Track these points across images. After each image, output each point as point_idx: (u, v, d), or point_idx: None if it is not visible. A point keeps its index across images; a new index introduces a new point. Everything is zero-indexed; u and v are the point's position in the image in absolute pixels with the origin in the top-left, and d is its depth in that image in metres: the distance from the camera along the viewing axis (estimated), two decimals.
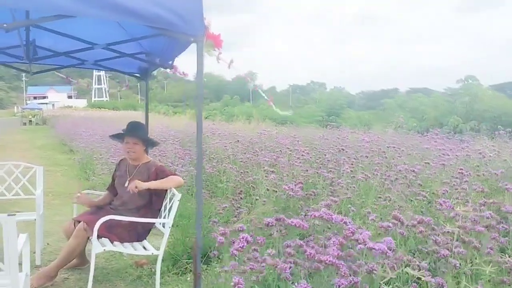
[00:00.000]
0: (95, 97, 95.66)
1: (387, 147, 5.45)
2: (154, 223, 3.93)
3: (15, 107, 77.80)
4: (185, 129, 10.71)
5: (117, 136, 4.15)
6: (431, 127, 15.55)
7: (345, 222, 2.25)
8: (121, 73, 4.85)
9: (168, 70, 4.31)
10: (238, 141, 7.99)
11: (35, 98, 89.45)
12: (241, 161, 6.50)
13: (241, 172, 5.74)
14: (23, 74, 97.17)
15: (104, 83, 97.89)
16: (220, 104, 61.28)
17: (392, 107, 33.29)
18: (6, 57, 4.09)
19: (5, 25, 2.42)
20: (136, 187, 3.70)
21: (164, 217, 3.80)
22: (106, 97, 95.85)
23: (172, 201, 3.75)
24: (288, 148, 6.21)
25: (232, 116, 28.41)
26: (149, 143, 4.11)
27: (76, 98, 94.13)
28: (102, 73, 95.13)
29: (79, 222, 3.81)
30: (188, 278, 4.04)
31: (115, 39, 4.10)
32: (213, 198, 5.24)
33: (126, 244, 3.78)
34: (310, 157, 5.45)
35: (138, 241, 3.90)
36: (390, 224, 2.36)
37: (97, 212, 3.94)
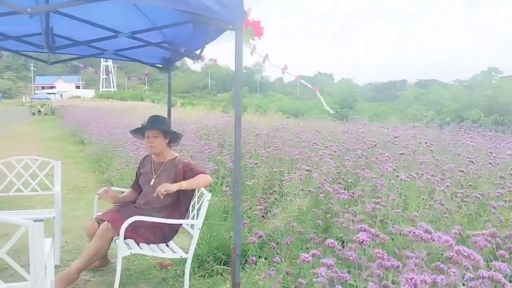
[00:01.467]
0: (102, 88, 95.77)
1: (419, 142, 5.16)
2: (181, 223, 3.70)
3: (23, 97, 77.99)
4: (200, 122, 10.46)
5: (138, 132, 3.91)
6: (451, 120, 15.15)
7: (451, 245, 1.87)
8: (143, 64, 4.59)
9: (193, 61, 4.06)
10: (257, 134, 7.73)
11: (43, 88, 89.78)
12: (263, 156, 6.25)
13: (270, 168, 5.48)
14: (32, 64, 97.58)
15: (112, 73, 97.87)
16: (228, 95, 60.86)
17: (408, 99, 32.58)
18: (25, 46, 3.85)
19: (29, 9, 2.17)
20: (165, 190, 3.46)
21: (193, 218, 3.58)
22: (113, 87, 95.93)
23: (201, 200, 3.52)
24: (315, 143, 5.93)
25: (243, 107, 27.98)
26: (171, 136, 3.84)
27: (84, 88, 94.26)
28: (110, 63, 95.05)
29: (102, 221, 3.60)
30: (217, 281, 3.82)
31: (137, 27, 3.85)
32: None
33: (152, 246, 3.56)
34: (338, 153, 5.17)
35: (164, 242, 3.68)
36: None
37: (121, 211, 3.71)
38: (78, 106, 35.40)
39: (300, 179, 3.90)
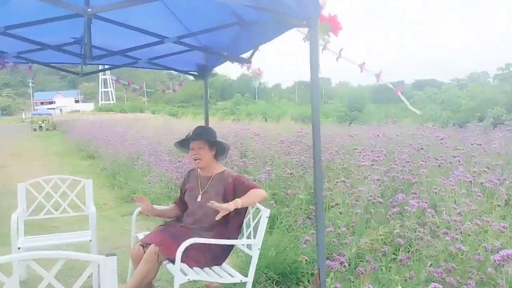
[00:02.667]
0: (101, 101, 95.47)
1: (471, 144, 4.84)
2: (233, 244, 3.38)
3: (23, 113, 77.61)
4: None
5: (183, 144, 3.60)
6: (469, 119, 14.83)
7: None
8: (178, 72, 4.30)
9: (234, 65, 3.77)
10: (282, 141, 7.43)
11: (42, 103, 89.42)
12: (297, 164, 5.96)
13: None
14: (30, 80, 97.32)
15: (110, 86, 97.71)
16: (230, 103, 60.57)
17: (421, 99, 32.13)
18: (60, 57, 3.56)
19: (89, 10, 1.87)
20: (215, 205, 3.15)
21: (248, 236, 3.27)
22: (112, 100, 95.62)
23: (259, 217, 3.21)
24: (355, 148, 5.62)
25: (249, 115, 27.64)
26: (217, 147, 3.53)
27: (83, 102, 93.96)
28: (108, 76, 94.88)
29: (148, 244, 3.28)
30: None
31: (173, 33, 3.57)
32: (284, 208, 4.66)
33: (207, 269, 3.24)
34: (382, 158, 4.86)
35: (216, 264, 3.36)
36: None
37: (168, 232, 3.39)
38: (79, 120, 35.06)
39: (338, 187, 3.58)
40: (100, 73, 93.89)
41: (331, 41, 2.39)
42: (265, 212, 3.15)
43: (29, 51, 3.64)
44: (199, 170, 3.59)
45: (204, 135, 3.46)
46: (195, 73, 4.30)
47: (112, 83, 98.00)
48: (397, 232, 3.10)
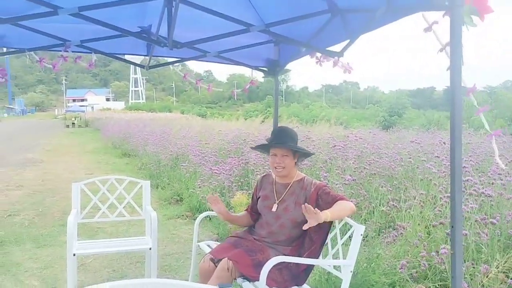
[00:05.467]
0: (132, 100, 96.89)
1: None
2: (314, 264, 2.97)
3: (56, 109, 79.46)
4: (261, 133, 9.74)
5: (263, 148, 3.22)
6: None
7: None
8: (248, 67, 3.93)
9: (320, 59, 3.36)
10: (334, 146, 6.98)
11: (74, 100, 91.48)
12: (356, 171, 5.52)
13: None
14: (63, 78, 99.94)
15: (140, 86, 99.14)
16: (261, 105, 60.06)
17: (469, 106, 30.79)
18: (125, 46, 3.26)
19: None
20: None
21: (334, 255, 2.86)
22: (142, 99, 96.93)
23: (349, 234, 2.79)
24: (437, 156, 5.12)
25: (280, 117, 27.09)
26: (300, 153, 3.14)
27: (114, 100, 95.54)
28: (139, 75, 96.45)
29: (218, 258, 2.91)
30: None
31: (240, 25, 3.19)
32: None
33: None
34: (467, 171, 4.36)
35: (297, 285, 2.95)
36: None
37: (242, 246, 3.01)
38: (111, 118, 35.40)
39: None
40: (131, 73, 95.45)
41: (476, 27, 1.96)
42: (359, 229, 2.73)
43: (91, 40, 3.34)
44: (274, 176, 3.20)
45: (288, 142, 3.07)
46: (265, 69, 3.92)
47: (143, 82, 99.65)
48: None
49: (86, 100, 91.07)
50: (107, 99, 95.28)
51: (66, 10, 2.26)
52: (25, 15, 2.38)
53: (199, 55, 3.59)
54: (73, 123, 40.53)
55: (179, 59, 3.76)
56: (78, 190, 3.77)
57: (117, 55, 3.59)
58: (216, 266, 2.91)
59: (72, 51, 3.49)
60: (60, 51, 3.32)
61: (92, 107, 74.48)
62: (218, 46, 3.62)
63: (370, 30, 2.61)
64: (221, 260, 2.89)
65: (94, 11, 2.47)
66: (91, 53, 3.43)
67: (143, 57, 3.75)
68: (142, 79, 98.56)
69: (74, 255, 3.31)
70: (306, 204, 2.65)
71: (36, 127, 39.45)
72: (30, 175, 10.89)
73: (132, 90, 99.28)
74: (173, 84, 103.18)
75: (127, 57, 4.08)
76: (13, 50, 3.29)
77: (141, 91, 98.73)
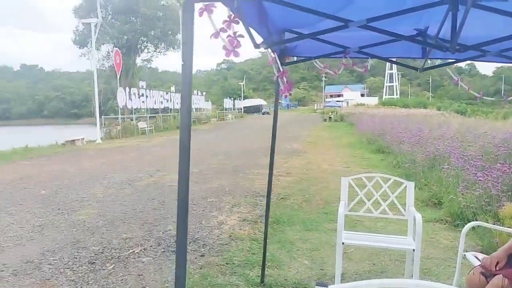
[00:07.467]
0: (386, 95, 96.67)
1: None
2: None
3: (315, 104, 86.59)
4: None
5: None
6: None
7: None
8: None
9: None
10: None
11: (331, 96, 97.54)
12: None
13: None
14: (323, 75, 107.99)
15: (395, 81, 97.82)
16: None
17: None
18: (399, 50, 3.38)
19: None
20: None
21: None
22: (396, 94, 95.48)
23: None
24: None
25: None
26: None
27: (368, 96, 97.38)
28: (394, 71, 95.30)
29: (491, 273, 2.71)
30: None
31: None
32: None
33: None
34: None
35: None
36: None
37: None
38: (365, 113, 36.20)
39: None
40: (386, 68, 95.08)
41: None
42: None
43: (368, 46, 3.56)
44: None
45: None
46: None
47: (398, 77, 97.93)
48: None
49: (342, 95, 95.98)
50: (362, 95, 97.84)
51: (356, 23, 2.49)
52: (321, 30, 2.73)
53: (477, 55, 3.36)
54: (329, 117, 43.35)
55: (454, 60, 3.60)
56: (346, 184, 4.11)
57: (391, 59, 3.71)
58: (487, 281, 2.74)
59: (350, 57, 3.80)
60: (340, 57, 3.67)
61: (347, 102, 77.86)
62: (499, 45, 3.31)
63: None
64: (493, 275, 2.71)
65: (378, 21, 2.64)
66: (367, 58, 3.66)
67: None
68: (398, 74, 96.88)
69: (342, 243, 3.64)
70: None
71: (299, 120, 44.04)
72: (296, 163, 12.31)
73: (386, 86, 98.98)
74: (430, 79, 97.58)
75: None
76: (302, 58, 3.80)
77: (396, 86, 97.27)
